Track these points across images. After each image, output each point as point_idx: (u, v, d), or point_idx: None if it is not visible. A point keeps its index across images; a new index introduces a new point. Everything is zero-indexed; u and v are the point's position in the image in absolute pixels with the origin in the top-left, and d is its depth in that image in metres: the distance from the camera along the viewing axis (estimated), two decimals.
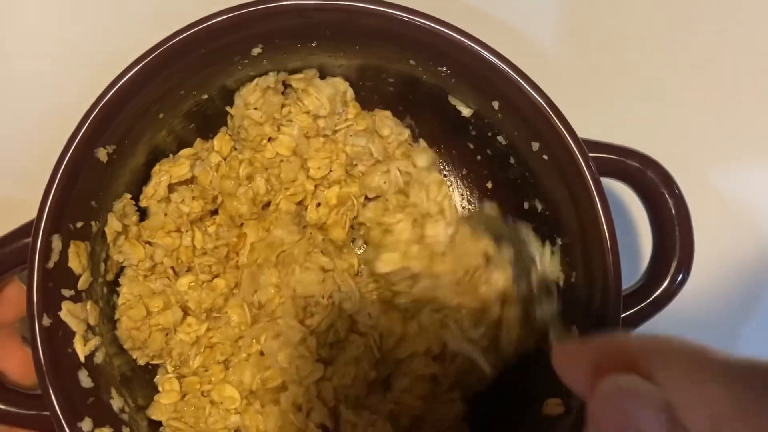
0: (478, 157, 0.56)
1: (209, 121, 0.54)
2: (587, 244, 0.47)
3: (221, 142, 0.54)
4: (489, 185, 0.57)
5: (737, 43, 0.65)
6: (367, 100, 0.55)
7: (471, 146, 0.56)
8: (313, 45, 0.49)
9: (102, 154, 0.46)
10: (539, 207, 0.52)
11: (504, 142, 0.52)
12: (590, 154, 0.46)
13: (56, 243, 0.44)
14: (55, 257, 0.44)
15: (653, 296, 0.49)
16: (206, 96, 0.51)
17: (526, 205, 0.53)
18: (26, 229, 0.45)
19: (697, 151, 0.63)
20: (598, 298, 0.47)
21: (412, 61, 0.50)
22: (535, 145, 0.48)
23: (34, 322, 0.43)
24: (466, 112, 0.52)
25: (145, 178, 0.52)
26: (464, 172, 0.58)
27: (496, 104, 0.49)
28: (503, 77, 0.46)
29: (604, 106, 0.63)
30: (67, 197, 0.44)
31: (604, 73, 0.64)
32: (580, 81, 0.63)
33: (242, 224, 0.54)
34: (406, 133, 0.55)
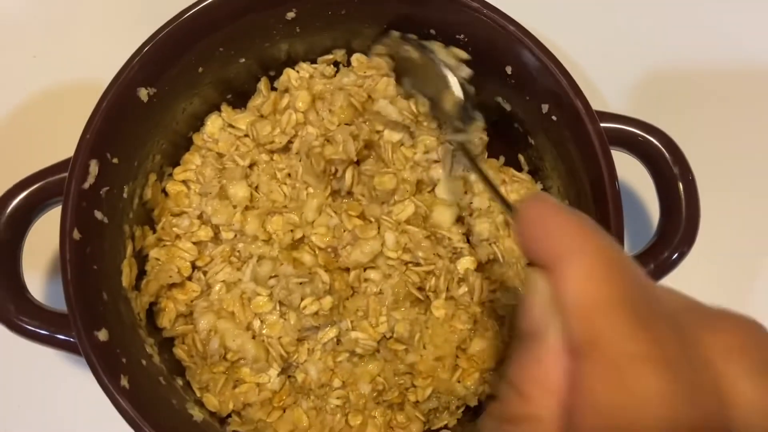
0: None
1: (243, 94, 0.59)
2: (590, 204, 0.49)
3: None
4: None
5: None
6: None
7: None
8: (342, 13, 0.54)
9: (143, 93, 0.50)
10: (545, 169, 0.55)
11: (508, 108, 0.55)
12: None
13: (93, 167, 0.48)
14: (90, 180, 0.48)
15: (657, 262, 0.50)
16: (243, 60, 0.56)
17: (527, 167, 0.57)
18: (68, 163, 0.49)
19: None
20: None
21: (432, 30, 0.53)
22: (545, 107, 0.51)
23: (65, 234, 0.46)
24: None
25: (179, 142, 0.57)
26: None
27: (509, 69, 0.52)
28: (516, 40, 0.50)
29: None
30: (107, 127, 0.48)
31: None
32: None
33: None
34: None
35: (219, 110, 0.59)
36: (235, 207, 0.55)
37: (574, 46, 0.66)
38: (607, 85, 0.68)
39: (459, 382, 0.53)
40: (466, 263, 0.54)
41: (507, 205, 0.41)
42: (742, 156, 0.66)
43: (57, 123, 0.66)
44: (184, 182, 0.57)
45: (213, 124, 0.58)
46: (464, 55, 0.53)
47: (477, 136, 0.55)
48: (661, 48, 0.69)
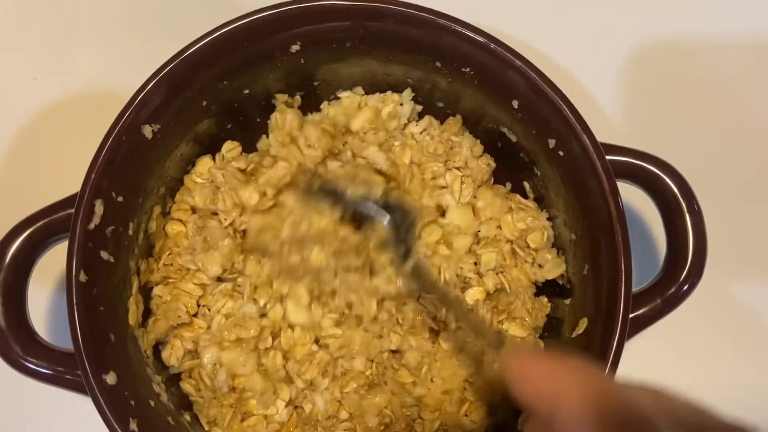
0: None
1: (246, 122, 0.59)
2: (599, 240, 0.49)
3: None
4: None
5: None
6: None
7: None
8: (347, 45, 0.53)
9: (147, 131, 0.50)
10: (550, 200, 0.55)
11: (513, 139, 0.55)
12: (606, 157, 0.49)
13: (99, 207, 0.48)
14: (96, 220, 0.48)
15: (663, 298, 0.50)
16: (247, 91, 0.55)
17: (532, 195, 0.57)
18: (74, 200, 0.49)
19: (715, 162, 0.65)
20: (607, 294, 0.48)
21: (437, 63, 0.53)
22: (551, 142, 0.51)
23: (71, 278, 0.46)
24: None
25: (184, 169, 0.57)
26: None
27: (515, 103, 0.51)
28: (524, 76, 0.49)
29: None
30: (112, 166, 0.48)
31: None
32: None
33: None
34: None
35: (222, 141, 0.58)
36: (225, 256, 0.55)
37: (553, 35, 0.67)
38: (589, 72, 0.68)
39: (466, 416, 0.53)
40: (475, 294, 0.54)
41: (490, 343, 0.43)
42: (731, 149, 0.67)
43: (53, 153, 0.66)
44: (182, 221, 0.57)
45: (203, 164, 0.58)
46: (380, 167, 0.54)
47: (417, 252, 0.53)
48: (645, 28, 0.69)
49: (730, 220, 0.62)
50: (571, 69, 0.67)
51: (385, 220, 0.51)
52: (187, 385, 0.54)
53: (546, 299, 0.56)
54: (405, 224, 0.51)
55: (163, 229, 0.56)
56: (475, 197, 0.57)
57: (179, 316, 0.54)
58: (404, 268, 0.50)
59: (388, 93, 0.58)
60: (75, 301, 0.46)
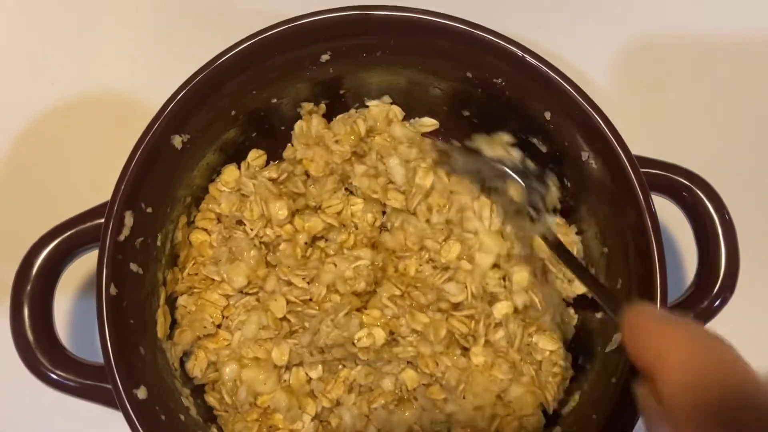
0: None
1: (271, 131, 0.58)
2: (633, 254, 0.49)
3: None
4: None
5: None
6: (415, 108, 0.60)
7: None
8: (377, 54, 0.53)
9: (177, 141, 0.49)
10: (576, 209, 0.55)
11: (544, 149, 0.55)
12: None
13: (128, 219, 0.47)
14: (126, 232, 0.47)
15: (696, 312, 0.50)
16: (275, 100, 0.55)
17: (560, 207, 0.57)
18: (101, 210, 0.48)
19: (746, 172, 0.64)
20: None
21: (469, 74, 0.53)
22: (584, 155, 0.50)
23: (102, 291, 0.46)
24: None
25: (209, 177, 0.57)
26: None
27: (548, 115, 0.51)
28: (557, 88, 0.49)
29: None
30: (142, 177, 0.48)
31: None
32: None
33: None
34: None
35: (246, 150, 0.58)
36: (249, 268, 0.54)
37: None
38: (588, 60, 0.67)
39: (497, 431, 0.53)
40: (503, 308, 0.54)
41: (612, 309, 0.41)
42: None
43: (71, 159, 0.65)
44: (206, 230, 0.56)
45: (229, 173, 0.57)
46: (509, 138, 0.55)
47: (554, 221, 0.55)
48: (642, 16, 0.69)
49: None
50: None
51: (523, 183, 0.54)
52: (211, 399, 0.54)
53: (573, 311, 0.56)
54: (538, 190, 0.54)
55: (188, 238, 0.56)
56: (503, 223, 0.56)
57: (204, 327, 0.53)
58: (538, 226, 0.53)
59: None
60: (105, 314, 0.45)
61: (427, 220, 0.56)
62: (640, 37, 0.68)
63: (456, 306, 0.54)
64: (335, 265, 0.53)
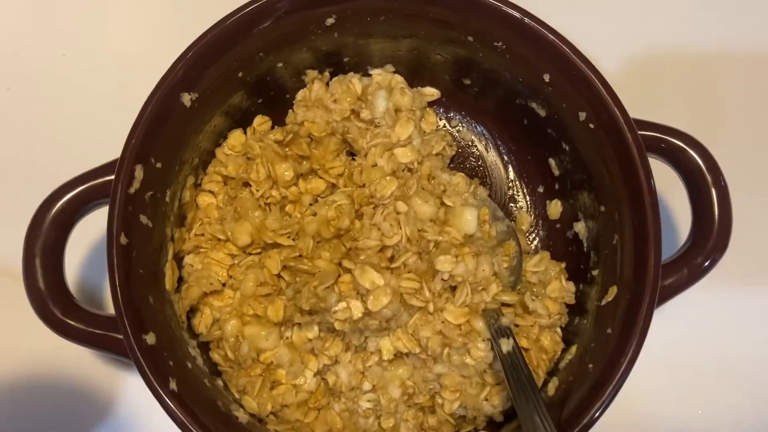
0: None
1: (276, 97, 0.60)
2: (629, 210, 0.50)
3: None
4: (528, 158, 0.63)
5: None
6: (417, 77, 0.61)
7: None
8: (381, 19, 0.54)
9: (186, 99, 0.51)
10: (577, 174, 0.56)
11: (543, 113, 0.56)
12: None
13: (138, 172, 0.48)
14: (136, 185, 0.48)
15: (689, 267, 0.51)
16: (281, 64, 0.56)
17: (557, 171, 0.59)
18: (113, 166, 0.49)
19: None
20: (636, 261, 0.49)
21: (469, 38, 0.54)
22: (582, 115, 0.52)
23: (112, 240, 0.47)
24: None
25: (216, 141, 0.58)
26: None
27: (546, 77, 0.52)
28: (557, 50, 0.50)
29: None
30: (152, 131, 0.49)
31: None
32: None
33: None
34: None
35: (252, 116, 0.60)
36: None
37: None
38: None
39: (486, 400, 0.53)
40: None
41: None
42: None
43: (91, 121, 0.66)
44: (212, 193, 0.58)
45: (235, 137, 0.59)
46: None
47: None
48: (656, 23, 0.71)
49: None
50: None
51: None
52: (216, 355, 0.55)
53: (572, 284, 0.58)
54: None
55: (195, 200, 0.57)
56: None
57: (210, 283, 0.54)
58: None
59: None
60: (116, 262, 0.47)
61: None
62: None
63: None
64: (315, 214, 0.54)
